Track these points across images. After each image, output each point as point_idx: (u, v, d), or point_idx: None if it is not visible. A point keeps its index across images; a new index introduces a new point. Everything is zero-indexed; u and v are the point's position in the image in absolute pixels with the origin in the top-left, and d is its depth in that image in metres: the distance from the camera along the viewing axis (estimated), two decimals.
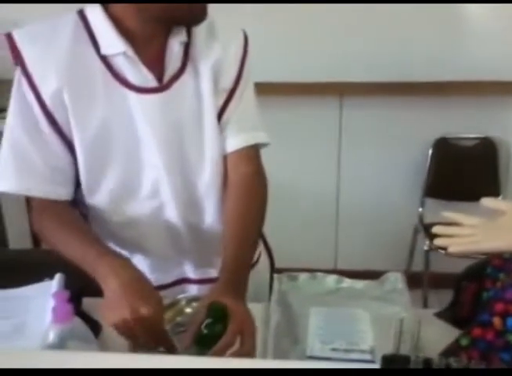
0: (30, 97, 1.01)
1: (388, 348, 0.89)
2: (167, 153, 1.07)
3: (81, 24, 1.03)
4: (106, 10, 1.02)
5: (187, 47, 1.07)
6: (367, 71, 2.58)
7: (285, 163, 2.60)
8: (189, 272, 1.23)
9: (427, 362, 0.72)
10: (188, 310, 1.06)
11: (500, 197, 2.64)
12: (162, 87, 1.05)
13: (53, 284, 1.06)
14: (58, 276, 1.08)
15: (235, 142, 1.11)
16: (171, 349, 0.92)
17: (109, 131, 1.04)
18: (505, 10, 2.46)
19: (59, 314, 0.88)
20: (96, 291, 0.95)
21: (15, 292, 1.11)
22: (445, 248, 0.85)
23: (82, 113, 1.02)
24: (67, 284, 1.07)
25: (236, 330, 0.88)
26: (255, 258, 1.24)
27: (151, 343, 0.90)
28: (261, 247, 1.31)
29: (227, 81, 1.10)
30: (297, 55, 2.58)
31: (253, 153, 1.14)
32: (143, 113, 1.04)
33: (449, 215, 0.90)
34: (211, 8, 1.04)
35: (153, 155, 1.07)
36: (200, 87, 1.07)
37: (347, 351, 0.96)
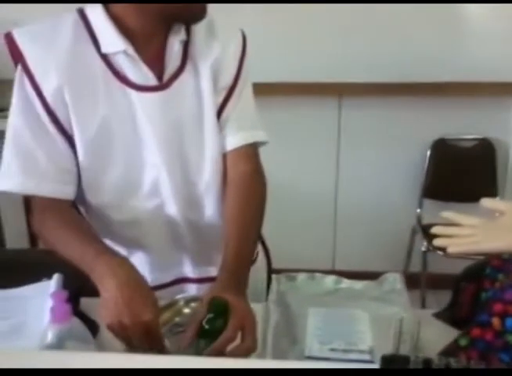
0: (33, 96, 1.01)
1: (387, 349, 0.89)
2: (167, 151, 1.08)
3: (81, 23, 1.03)
4: (107, 9, 1.02)
5: (186, 46, 1.08)
6: (366, 72, 2.58)
7: (283, 163, 2.60)
8: (189, 271, 1.23)
9: (427, 362, 0.72)
10: (186, 311, 1.06)
11: (498, 198, 2.64)
12: (162, 85, 1.05)
13: (51, 284, 1.06)
14: (56, 276, 1.08)
15: (234, 140, 1.12)
16: (161, 351, 0.91)
17: (109, 129, 1.04)
18: (504, 11, 2.46)
19: (58, 314, 0.88)
20: (94, 291, 0.94)
21: (13, 292, 1.10)
22: (444, 249, 0.85)
23: (83, 112, 1.02)
24: (65, 284, 1.07)
25: (237, 325, 0.88)
26: (253, 257, 1.24)
27: (145, 345, 0.89)
28: (258, 247, 1.31)
29: (226, 80, 1.11)
30: (296, 55, 2.58)
31: (252, 151, 1.15)
32: (143, 111, 1.04)
33: (449, 215, 0.90)
34: (211, 7, 1.05)
35: (153, 153, 1.07)
36: (200, 85, 1.08)
37: (345, 351, 0.96)
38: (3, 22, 1.33)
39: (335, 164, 2.80)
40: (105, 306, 0.89)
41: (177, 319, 1.04)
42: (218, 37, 1.10)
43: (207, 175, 1.13)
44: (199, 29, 1.09)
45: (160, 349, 0.91)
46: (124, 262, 0.94)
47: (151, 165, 1.09)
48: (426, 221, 2.72)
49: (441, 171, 2.70)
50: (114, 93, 1.03)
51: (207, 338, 0.87)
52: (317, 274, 1.20)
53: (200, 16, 1.02)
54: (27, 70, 1.00)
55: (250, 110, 1.16)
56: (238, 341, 0.88)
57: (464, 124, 2.67)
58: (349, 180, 2.82)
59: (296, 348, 0.98)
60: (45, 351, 0.88)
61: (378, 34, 2.55)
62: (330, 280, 1.19)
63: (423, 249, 2.58)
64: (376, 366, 0.80)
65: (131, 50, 1.01)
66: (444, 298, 1.14)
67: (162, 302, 1.04)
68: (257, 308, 0.99)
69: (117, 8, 1.01)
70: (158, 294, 1.03)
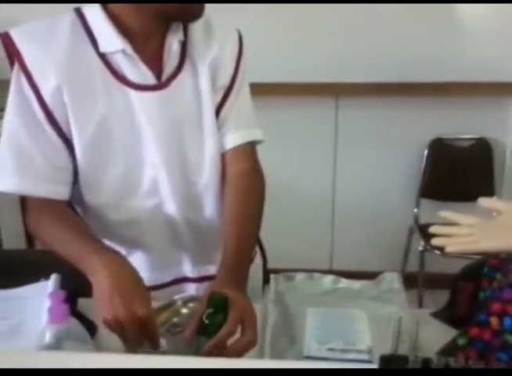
0: (30, 95, 1.00)
1: (385, 348, 0.89)
2: (166, 150, 1.08)
3: (78, 22, 1.03)
4: (105, 8, 1.02)
5: (184, 45, 1.08)
6: (363, 72, 2.58)
7: (281, 163, 2.60)
8: (188, 270, 1.23)
9: (426, 362, 0.72)
10: (184, 311, 1.06)
11: (495, 198, 2.65)
12: (161, 84, 1.05)
13: (49, 285, 1.06)
14: (54, 277, 1.08)
15: (233, 139, 1.13)
16: (156, 346, 0.92)
17: (108, 128, 1.04)
18: (502, 11, 2.47)
19: (55, 314, 0.87)
20: (91, 292, 0.94)
21: (11, 293, 1.10)
22: (441, 248, 0.85)
23: (82, 111, 1.02)
24: (63, 285, 1.07)
25: (237, 320, 0.88)
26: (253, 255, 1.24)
27: (140, 340, 0.90)
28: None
29: (224, 79, 1.12)
30: (294, 55, 2.58)
31: (250, 149, 1.16)
32: (142, 110, 1.04)
33: (447, 214, 0.90)
34: (208, 7, 1.05)
35: (152, 152, 1.07)
36: (199, 85, 1.09)
37: (344, 351, 0.96)
38: (1, 22, 1.33)
39: (332, 164, 2.80)
40: (100, 302, 0.89)
41: (175, 319, 1.04)
42: (215, 37, 1.10)
43: (206, 174, 1.13)
44: (196, 28, 1.09)
45: (155, 344, 0.92)
46: (118, 258, 0.94)
47: (150, 164, 1.09)
48: (423, 220, 2.72)
49: (439, 170, 2.70)
50: (113, 92, 1.03)
51: (207, 332, 0.87)
52: (315, 274, 1.20)
53: (198, 14, 1.03)
54: (24, 69, 0.99)
55: (248, 110, 1.17)
56: (238, 335, 0.88)
57: (461, 123, 2.68)
58: (346, 180, 2.82)
59: (294, 348, 0.98)
60: (43, 351, 0.87)
61: (375, 34, 2.55)
62: (328, 279, 1.19)
63: (421, 249, 2.58)
64: (374, 366, 0.80)
65: (129, 49, 1.01)
66: (441, 297, 1.14)
67: (160, 303, 1.04)
68: (255, 308, 0.99)
69: (116, 7, 1.01)
70: (157, 294, 1.03)
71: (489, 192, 2.65)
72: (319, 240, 2.94)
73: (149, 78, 1.04)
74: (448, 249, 0.83)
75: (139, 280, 0.93)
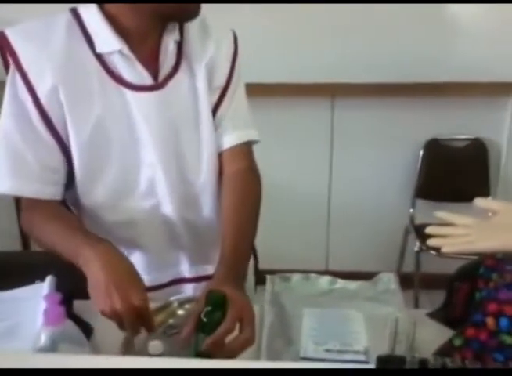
0: (25, 96, 1.00)
1: (382, 349, 0.89)
2: (163, 150, 1.08)
3: (74, 22, 1.02)
4: (101, 8, 1.02)
5: (180, 45, 1.08)
6: (359, 72, 2.58)
7: (277, 164, 2.60)
8: (186, 270, 1.24)
9: (423, 362, 0.72)
10: (180, 312, 1.06)
11: (490, 198, 2.65)
12: (157, 85, 1.05)
13: (44, 286, 1.06)
14: (49, 279, 1.08)
15: (229, 139, 1.14)
16: (152, 331, 0.93)
17: (105, 129, 1.04)
18: (497, 11, 2.47)
19: (51, 316, 0.87)
20: (87, 293, 0.94)
21: (6, 294, 1.10)
22: (437, 249, 0.85)
23: (78, 112, 1.02)
24: (58, 286, 1.06)
25: (236, 317, 0.88)
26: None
27: (137, 327, 0.91)
28: None
29: (220, 79, 1.12)
30: (289, 56, 2.58)
31: (246, 149, 1.17)
32: (139, 110, 1.04)
33: (443, 215, 0.90)
34: (204, 7, 1.05)
35: (149, 153, 1.07)
36: (195, 85, 1.09)
37: (340, 352, 0.96)
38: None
39: (328, 165, 2.80)
40: (94, 293, 0.90)
41: (171, 320, 1.04)
42: (211, 37, 1.11)
43: (204, 174, 1.13)
44: (192, 28, 1.09)
45: (151, 329, 0.93)
46: (111, 248, 0.94)
47: (147, 165, 1.09)
48: (419, 221, 2.72)
49: (434, 171, 2.71)
50: (109, 93, 1.03)
51: (205, 330, 0.87)
52: (311, 275, 1.20)
53: (195, 14, 1.03)
54: (20, 69, 0.99)
55: (244, 110, 1.18)
56: (236, 332, 0.88)
57: (456, 124, 2.68)
58: (342, 180, 2.82)
59: (291, 348, 0.98)
60: (39, 354, 0.87)
61: (371, 34, 2.55)
62: (325, 280, 1.19)
63: (416, 249, 2.58)
64: (371, 366, 0.80)
65: (126, 50, 1.01)
66: (437, 297, 1.14)
67: (156, 304, 1.03)
68: None
69: (112, 7, 1.01)
70: (154, 295, 1.03)
71: (484, 192, 2.66)
72: (315, 240, 2.94)
73: (145, 79, 1.04)
74: (444, 249, 0.83)
75: (133, 269, 0.93)
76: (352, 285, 1.18)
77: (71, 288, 1.05)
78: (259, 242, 1.34)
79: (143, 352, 0.97)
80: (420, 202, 2.75)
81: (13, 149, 1.02)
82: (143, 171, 1.09)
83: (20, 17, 1.03)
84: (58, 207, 1.08)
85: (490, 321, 0.89)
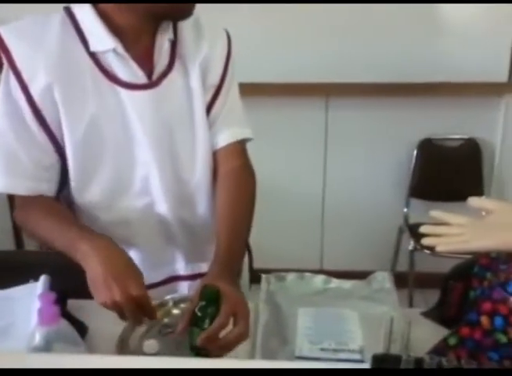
0: (19, 94, 1.00)
1: (377, 348, 0.89)
2: (158, 149, 1.08)
3: (68, 21, 1.02)
4: (95, 7, 1.02)
5: (174, 44, 1.08)
6: (353, 72, 2.59)
7: (271, 164, 2.60)
8: (181, 268, 1.24)
9: (419, 361, 0.72)
10: (175, 311, 1.06)
11: (484, 197, 2.66)
12: (152, 83, 1.05)
13: (38, 286, 1.05)
14: (43, 278, 1.07)
15: (224, 137, 1.15)
16: (154, 318, 0.94)
17: (99, 127, 1.03)
18: (490, 12, 2.48)
19: (45, 316, 0.87)
20: (82, 292, 0.94)
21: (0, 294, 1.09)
22: (431, 248, 0.85)
23: (72, 110, 1.01)
24: (52, 286, 1.06)
25: (229, 312, 0.88)
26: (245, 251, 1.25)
27: (139, 317, 0.92)
28: None
29: (214, 78, 1.13)
30: (284, 56, 2.58)
31: (240, 147, 1.18)
32: (133, 109, 1.04)
33: (437, 214, 0.90)
34: (199, 7, 1.05)
35: (143, 151, 1.07)
36: (190, 84, 1.09)
37: (336, 351, 0.96)
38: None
39: (322, 165, 2.80)
40: (94, 286, 0.90)
41: (166, 320, 1.04)
42: (205, 36, 1.11)
43: (198, 173, 1.14)
44: (186, 28, 1.09)
45: (153, 318, 0.94)
46: (107, 240, 0.95)
47: (141, 163, 1.09)
48: (413, 220, 2.73)
49: (428, 170, 2.71)
50: (103, 91, 1.02)
51: (199, 325, 0.87)
52: (306, 274, 1.20)
53: (189, 13, 1.03)
54: (13, 67, 0.99)
55: (238, 109, 1.19)
56: (230, 327, 0.88)
57: (450, 124, 2.69)
58: (336, 180, 2.82)
59: (286, 348, 0.98)
60: (33, 354, 0.87)
61: (365, 35, 2.55)
62: (319, 279, 1.19)
63: (411, 248, 2.59)
64: (366, 365, 0.80)
65: (120, 48, 1.01)
66: (431, 296, 1.15)
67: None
68: None
69: (106, 6, 1.01)
70: (150, 293, 1.02)
71: (478, 191, 2.67)
72: (309, 240, 2.94)
73: (140, 77, 1.04)
74: (438, 249, 0.84)
75: (130, 260, 0.94)
76: (347, 284, 1.18)
77: (65, 287, 1.05)
78: (254, 241, 1.35)
79: (138, 351, 0.97)
80: (414, 201, 2.76)
81: (7, 148, 1.02)
82: (137, 170, 1.09)
83: (20, 17, 1.02)
84: (52, 203, 1.08)
85: (484, 320, 0.90)
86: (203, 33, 1.11)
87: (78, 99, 1.01)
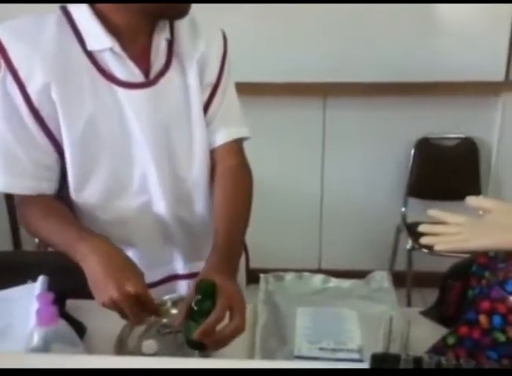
0: (16, 94, 1.00)
1: (376, 347, 0.89)
2: (155, 147, 1.08)
3: (64, 20, 1.02)
4: (92, 6, 1.02)
5: (171, 44, 1.08)
6: (351, 72, 2.59)
7: (269, 163, 2.60)
8: (179, 267, 1.24)
9: (418, 361, 0.72)
10: (174, 311, 1.05)
11: (481, 196, 2.66)
12: (149, 82, 1.05)
13: (37, 286, 1.05)
14: (41, 278, 1.07)
15: (222, 136, 1.15)
16: (157, 315, 0.95)
17: (97, 126, 1.03)
18: (487, 12, 2.48)
19: (44, 316, 0.87)
20: (80, 292, 0.94)
21: None
22: (429, 247, 0.85)
23: (70, 109, 1.01)
24: (51, 286, 1.06)
25: (225, 305, 0.88)
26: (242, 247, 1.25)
27: (141, 315, 0.91)
28: None
29: (211, 76, 1.13)
30: (281, 55, 2.58)
31: (237, 146, 1.18)
32: (131, 108, 1.04)
33: (435, 213, 0.90)
34: (197, 7, 1.05)
35: (141, 150, 1.08)
36: (187, 82, 1.09)
37: (335, 350, 0.96)
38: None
39: (320, 164, 2.80)
40: (95, 286, 0.90)
41: (164, 320, 1.04)
42: (201, 36, 1.12)
43: (196, 171, 1.14)
44: (183, 27, 1.10)
45: (156, 314, 0.94)
46: (105, 240, 0.95)
47: (139, 162, 1.09)
48: (410, 219, 2.73)
49: (425, 170, 2.72)
50: (100, 91, 1.02)
51: (196, 318, 0.87)
52: (305, 273, 1.20)
53: (185, 12, 1.03)
54: (10, 67, 0.98)
55: (235, 108, 1.19)
56: (227, 320, 0.88)
57: (447, 123, 2.69)
58: (334, 180, 2.83)
59: (285, 347, 0.98)
60: (31, 354, 0.86)
61: (363, 35, 2.55)
62: (318, 279, 1.19)
63: (409, 247, 2.59)
64: (365, 365, 0.80)
65: (117, 47, 1.01)
66: (429, 295, 1.15)
67: None
68: None
69: (103, 5, 1.01)
70: None
71: (475, 191, 2.67)
72: (307, 239, 2.94)
73: (137, 76, 1.04)
74: (437, 248, 0.84)
75: (128, 259, 0.94)
76: (345, 284, 1.18)
77: (64, 288, 1.04)
78: (252, 241, 1.35)
79: (137, 351, 0.97)
80: (412, 201, 2.76)
81: (5, 148, 1.02)
82: (135, 168, 1.09)
83: (16, 16, 1.02)
84: (52, 203, 1.08)
85: (483, 319, 0.90)
86: (200, 32, 1.12)
87: (76, 99, 1.01)
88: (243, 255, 1.33)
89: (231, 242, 1.04)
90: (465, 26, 2.54)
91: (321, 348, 0.96)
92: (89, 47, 1.01)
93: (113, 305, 0.88)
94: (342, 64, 2.58)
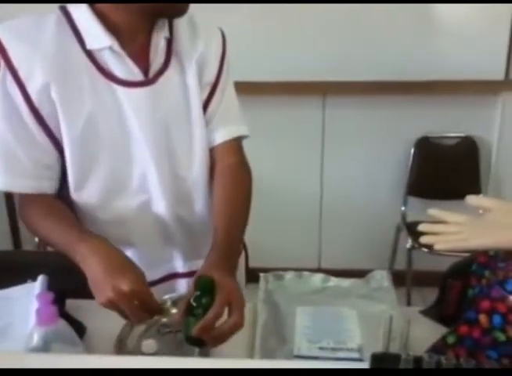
0: (16, 93, 1.00)
1: (376, 347, 0.89)
2: (155, 146, 1.08)
3: (64, 20, 1.02)
4: (91, 5, 1.02)
5: (170, 42, 1.09)
6: (350, 71, 2.59)
7: (269, 162, 2.60)
8: (179, 266, 1.24)
9: (418, 360, 0.72)
10: (174, 311, 1.05)
11: (481, 195, 2.66)
12: (148, 81, 1.06)
13: (36, 286, 1.05)
14: (41, 278, 1.07)
15: (220, 135, 1.15)
16: (160, 313, 0.94)
17: (97, 125, 1.04)
18: (486, 11, 2.48)
19: (43, 316, 0.87)
20: (80, 292, 0.94)
21: None
22: (429, 246, 0.85)
23: (70, 109, 1.02)
24: (50, 286, 1.06)
25: (224, 302, 0.88)
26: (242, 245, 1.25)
27: (142, 314, 0.91)
28: None
29: (210, 75, 1.13)
30: (280, 54, 2.58)
31: (237, 145, 1.19)
32: (130, 106, 1.05)
33: (435, 212, 0.90)
34: (196, 7, 1.05)
35: (141, 149, 1.08)
36: (186, 81, 1.10)
37: (334, 350, 0.96)
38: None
39: (320, 163, 2.80)
40: (94, 287, 0.90)
41: (164, 319, 1.04)
42: (200, 35, 1.12)
43: (195, 170, 1.14)
44: (182, 26, 1.10)
45: (158, 313, 0.94)
46: (104, 241, 0.95)
47: (139, 161, 1.09)
48: (410, 218, 2.73)
49: (425, 169, 2.72)
50: (100, 89, 1.03)
51: (194, 315, 0.88)
52: (305, 273, 1.20)
53: (183, 11, 1.03)
54: (10, 68, 0.98)
55: (234, 107, 1.20)
56: (225, 317, 0.88)
57: (447, 122, 2.69)
58: (334, 179, 2.82)
59: (285, 347, 0.98)
60: (31, 354, 0.86)
61: (362, 33, 2.55)
62: (318, 278, 1.19)
63: (408, 246, 2.59)
64: (365, 364, 0.80)
65: (116, 46, 1.01)
66: (429, 295, 1.15)
67: None
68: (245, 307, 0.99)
69: (102, 5, 1.01)
70: None
71: (475, 190, 2.67)
72: (307, 238, 2.94)
73: (136, 74, 1.04)
74: (437, 247, 0.84)
75: (127, 259, 0.94)
76: (345, 283, 1.18)
77: (64, 287, 1.04)
78: (252, 240, 1.35)
79: (137, 351, 0.97)
80: (412, 200, 2.76)
81: (5, 147, 1.03)
82: (135, 167, 1.09)
83: (15, 16, 1.02)
84: (53, 202, 1.08)
85: (483, 318, 0.90)
86: (199, 32, 1.12)
87: (75, 98, 1.01)
88: (242, 254, 1.33)
89: (230, 240, 1.04)
90: (464, 25, 2.54)
91: (321, 348, 0.96)
92: (88, 46, 1.01)
93: (113, 306, 0.88)
94: (341, 63, 2.58)
